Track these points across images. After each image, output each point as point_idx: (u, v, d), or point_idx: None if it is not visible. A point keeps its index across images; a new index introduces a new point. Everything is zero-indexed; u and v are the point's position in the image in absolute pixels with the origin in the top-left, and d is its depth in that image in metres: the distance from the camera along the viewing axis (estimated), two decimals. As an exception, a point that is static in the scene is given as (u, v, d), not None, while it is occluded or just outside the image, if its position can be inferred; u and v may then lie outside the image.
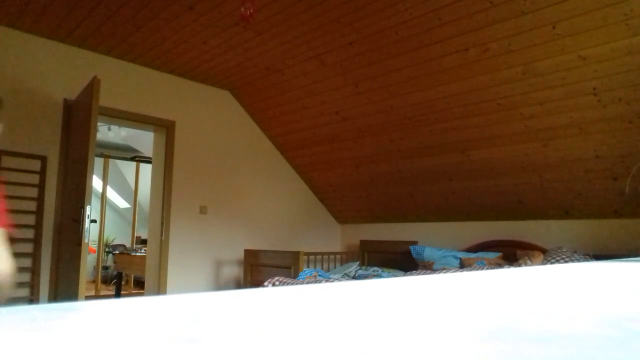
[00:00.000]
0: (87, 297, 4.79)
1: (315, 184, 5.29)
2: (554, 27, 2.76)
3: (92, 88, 3.02)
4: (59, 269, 3.38)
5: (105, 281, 7.30)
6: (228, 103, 4.73)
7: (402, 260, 4.62)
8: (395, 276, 4.01)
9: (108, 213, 7.39)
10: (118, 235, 7.95)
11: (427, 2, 2.88)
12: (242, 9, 2.44)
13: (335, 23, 3.21)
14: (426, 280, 0.53)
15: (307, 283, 3.35)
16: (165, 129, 4.22)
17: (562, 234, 3.75)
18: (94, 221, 3.22)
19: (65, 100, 3.59)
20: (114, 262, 6.46)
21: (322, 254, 4.79)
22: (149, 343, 0.20)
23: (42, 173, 3.44)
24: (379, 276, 4.23)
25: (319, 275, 3.92)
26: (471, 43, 3.07)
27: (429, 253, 4.31)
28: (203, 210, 4.41)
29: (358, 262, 4.87)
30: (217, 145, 4.58)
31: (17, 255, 3.58)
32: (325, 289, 0.42)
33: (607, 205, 3.47)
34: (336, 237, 5.62)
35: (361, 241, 5.24)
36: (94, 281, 6.78)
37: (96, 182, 6.05)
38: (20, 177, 3.32)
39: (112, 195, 8.01)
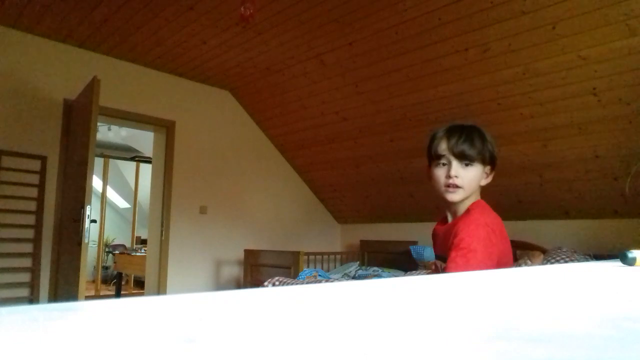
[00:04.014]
0: (87, 297, 4.79)
1: (315, 184, 5.29)
2: (554, 27, 2.76)
3: (92, 88, 3.02)
4: (59, 269, 3.38)
5: (105, 281, 7.31)
6: (228, 103, 4.73)
7: (402, 260, 4.62)
8: (395, 276, 4.01)
9: (108, 213, 7.40)
10: (118, 235, 7.95)
11: (427, 2, 2.88)
12: (242, 9, 2.44)
13: (335, 23, 3.21)
14: (426, 280, 0.53)
15: (307, 283, 3.35)
16: (165, 129, 4.22)
17: (562, 234, 3.75)
18: (94, 221, 3.22)
19: (65, 100, 3.59)
20: (114, 262, 6.46)
21: (322, 254, 4.79)
22: (149, 343, 0.20)
23: (42, 173, 3.44)
24: (379, 276, 4.23)
25: (319, 275, 3.92)
26: (471, 43, 3.07)
27: (429, 253, 4.30)
28: (203, 210, 4.41)
29: (358, 262, 4.87)
30: (217, 145, 4.58)
31: (17, 255, 3.58)
32: (325, 289, 0.42)
33: (607, 205, 3.47)
34: (336, 237, 5.62)
35: (361, 241, 5.24)
36: (94, 281, 6.78)
37: (96, 182, 6.05)
38: (20, 177, 3.32)
39: (112, 195, 8.01)
